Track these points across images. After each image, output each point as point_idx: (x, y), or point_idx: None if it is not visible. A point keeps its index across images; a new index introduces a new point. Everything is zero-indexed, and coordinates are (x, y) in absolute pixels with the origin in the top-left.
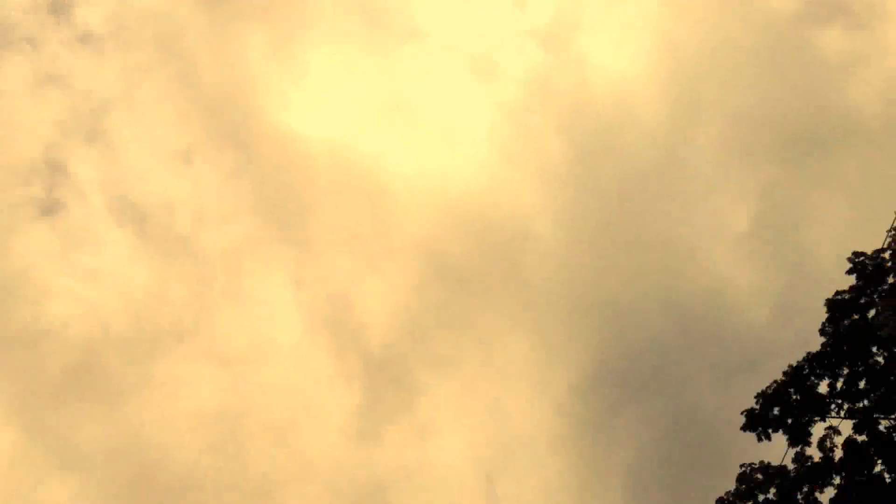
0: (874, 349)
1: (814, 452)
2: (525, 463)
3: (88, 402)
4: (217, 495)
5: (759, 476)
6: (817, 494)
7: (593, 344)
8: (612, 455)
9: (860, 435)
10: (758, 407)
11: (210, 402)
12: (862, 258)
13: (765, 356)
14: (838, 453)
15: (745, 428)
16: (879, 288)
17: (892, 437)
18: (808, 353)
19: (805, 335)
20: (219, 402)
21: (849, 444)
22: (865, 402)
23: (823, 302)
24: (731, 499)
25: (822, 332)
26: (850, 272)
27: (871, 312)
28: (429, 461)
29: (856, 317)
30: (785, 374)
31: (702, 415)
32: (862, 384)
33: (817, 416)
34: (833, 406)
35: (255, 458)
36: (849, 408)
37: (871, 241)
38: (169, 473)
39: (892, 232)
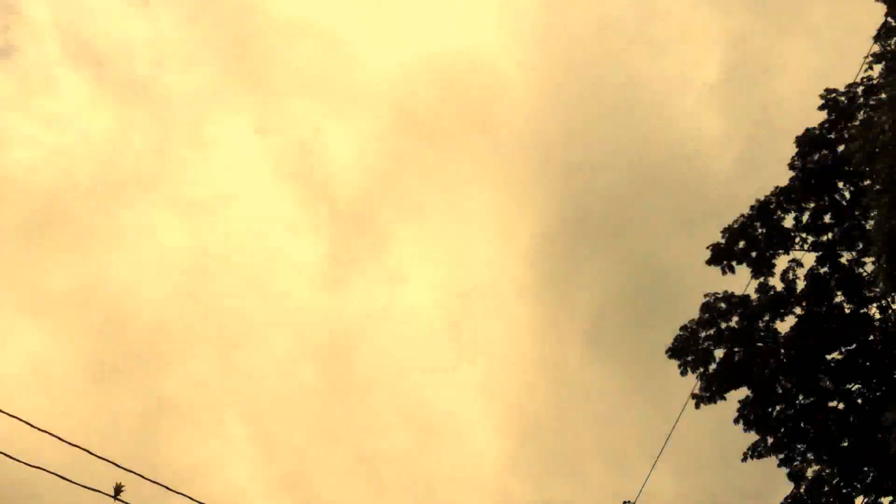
0: (840, 184)
1: (776, 284)
2: (490, 309)
3: (56, 249)
4: (188, 339)
5: (723, 305)
6: (778, 323)
7: (559, 193)
8: (575, 301)
9: (822, 267)
10: (723, 241)
11: (177, 249)
12: (834, 94)
13: (728, 206)
14: (800, 285)
15: (710, 262)
16: (850, 124)
17: (853, 270)
18: (776, 188)
19: (769, 184)
20: (186, 250)
21: (811, 275)
22: (829, 235)
23: (793, 139)
24: (693, 326)
25: (791, 166)
26: (821, 108)
27: (841, 148)
28: (396, 307)
29: (825, 152)
30: (752, 208)
31: (665, 262)
32: (827, 218)
33: (781, 249)
34: (797, 240)
35: (224, 305)
36: (813, 241)
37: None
38: (139, 317)
39: (869, 59)
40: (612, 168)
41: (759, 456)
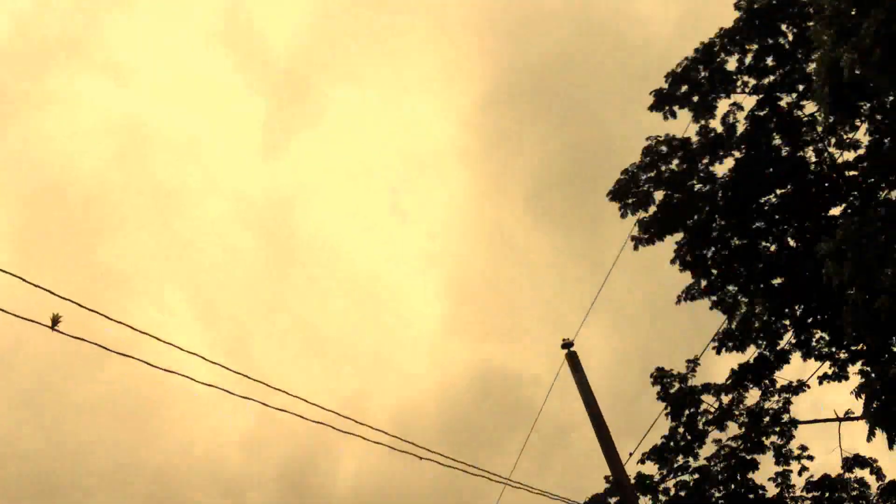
0: (784, 26)
1: (717, 127)
2: (430, 177)
3: None
4: (122, 207)
5: (664, 148)
6: (716, 166)
7: (500, 58)
8: (516, 167)
9: (762, 111)
10: (666, 86)
11: (111, 115)
12: None
13: (669, 67)
14: (741, 129)
15: (652, 108)
16: None
17: (792, 113)
18: (721, 28)
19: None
20: (120, 116)
21: (751, 117)
22: (770, 78)
23: None
24: (635, 170)
25: (737, 6)
26: None
27: None
28: (335, 173)
29: None
30: (696, 51)
31: (607, 125)
32: (769, 61)
33: (723, 93)
34: (739, 83)
35: (159, 171)
36: (754, 84)
37: None
38: (76, 185)
39: None
40: (554, 30)
41: (693, 298)
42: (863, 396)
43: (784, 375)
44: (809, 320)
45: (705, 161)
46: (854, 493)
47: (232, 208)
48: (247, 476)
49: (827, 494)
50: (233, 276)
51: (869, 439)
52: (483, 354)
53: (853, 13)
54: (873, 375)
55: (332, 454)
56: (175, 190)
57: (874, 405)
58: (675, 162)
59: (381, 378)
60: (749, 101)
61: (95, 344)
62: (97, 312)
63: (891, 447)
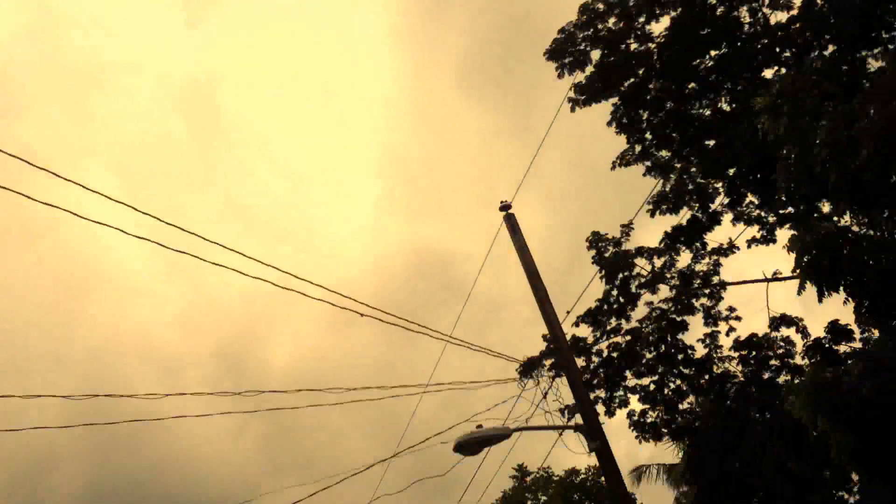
0: None
1: None
2: (358, 52)
3: None
4: (36, 85)
5: (601, 6)
6: (653, 25)
7: None
8: (447, 42)
9: None
10: None
11: None
12: None
13: None
14: None
15: None
16: None
17: None
18: None
19: None
20: None
21: None
22: None
23: None
24: (572, 29)
25: None
26: None
27: None
28: (262, 50)
29: None
30: None
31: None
32: None
33: None
34: None
35: (73, 46)
36: None
37: None
38: None
39: None
40: None
41: (627, 164)
42: (794, 252)
43: (714, 238)
44: (742, 181)
45: (642, 20)
46: (780, 350)
47: (154, 84)
48: (183, 354)
49: (753, 353)
50: (159, 155)
51: (799, 292)
52: (417, 232)
53: None
54: (804, 230)
55: (268, 329)
56: (92, 66)
57: (805, 259)
58: (613, 20)
59: (316, 258)
60: None
61: (15, 192)
62: (17, 157)
63: (820, 301)
